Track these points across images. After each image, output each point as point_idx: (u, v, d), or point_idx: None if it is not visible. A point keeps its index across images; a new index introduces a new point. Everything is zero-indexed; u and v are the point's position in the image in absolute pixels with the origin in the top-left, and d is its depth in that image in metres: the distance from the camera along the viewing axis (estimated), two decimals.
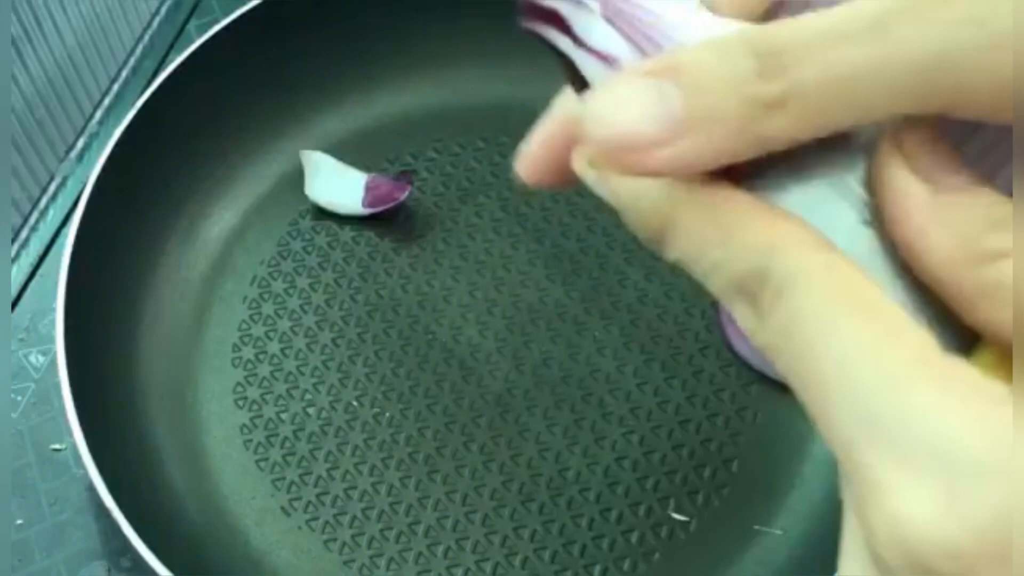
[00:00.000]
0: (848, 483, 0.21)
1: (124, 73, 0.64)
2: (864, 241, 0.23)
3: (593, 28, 0.24)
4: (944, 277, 0.22)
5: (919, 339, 0.21)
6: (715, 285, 0.23)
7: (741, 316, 0.22)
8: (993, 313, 0.21)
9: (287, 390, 0.53)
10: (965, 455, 0.19)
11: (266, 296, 0.56)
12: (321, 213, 0.58)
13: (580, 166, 0.25)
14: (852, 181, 0.23)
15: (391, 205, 0.57)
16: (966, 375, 0.20)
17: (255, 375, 0.54)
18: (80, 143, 0.62)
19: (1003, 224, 0.21)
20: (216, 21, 0.57)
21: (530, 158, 0.29)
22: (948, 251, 0.22)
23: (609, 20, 0.24)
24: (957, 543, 0.19)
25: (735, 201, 0.23)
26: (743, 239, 0.22)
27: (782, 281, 0.22)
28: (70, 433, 0.46)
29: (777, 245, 0.22)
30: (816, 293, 0.21)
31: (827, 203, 0.23)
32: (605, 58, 0.24)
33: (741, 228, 0.22)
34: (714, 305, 0.53)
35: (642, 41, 0.24)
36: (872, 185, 0.23)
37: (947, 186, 0.22)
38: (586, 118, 0.22)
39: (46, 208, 0.59)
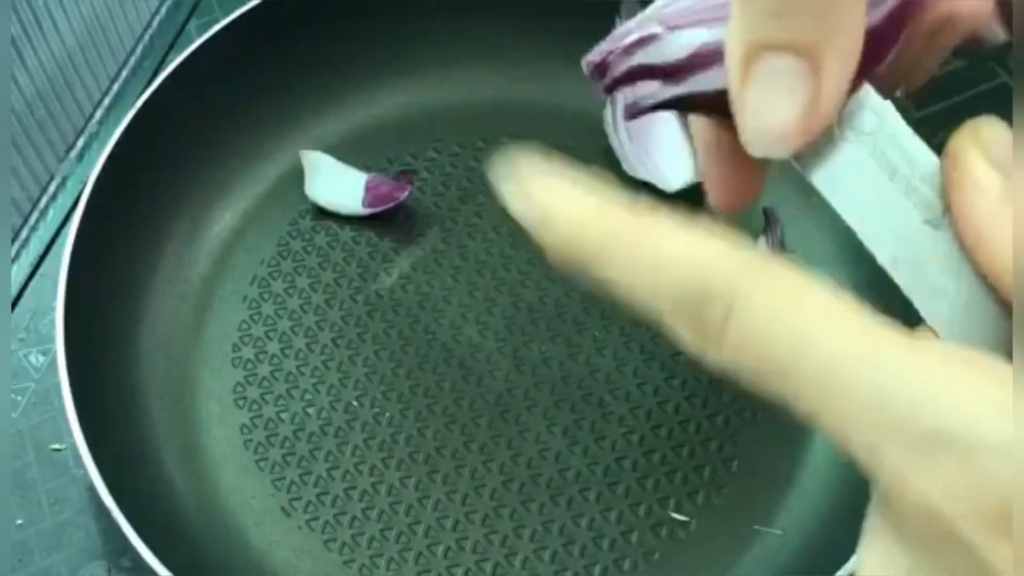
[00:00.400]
0: (867, 474, 0.21)
1: (124, 73, 0.64)
2: (926, 240, 0.23)
3: (670, 46, 0.24)
4: (1004, 272, 0.21)
5: (889, 327, 0.20)
6: (651, 309, 0.22)
7: (685, 338, 0.22)
8: None
9: (287, 390, 0.53)
10: (976, 433, 0.19)
11: (266, 296, 0.56)
12: (321, 213, 0.58)
13: (506, 192, 0.24)
14: (917, 181, 0.23)
15: (391, 205, 0.57)
16: (952, 352, 0.20)
17: (255, 375, 0.54)
18: (80, 143, 0.62)
19: None
20: (216, 21, 0.57)
21: (718, 185, 0.28)
22: (1012, 247, 0.21)
23: (674, 28, 0.24)
24: (983, 512, 0.19)
25: (664, 224, 0.22)
26: (671, 258, 0.22)
27: (730, 299, 0.21)
28: (70, 433, 0.46)
29: (712, 263, 0.22)
30: (774, 304, 0.21)
31: (894, 202, 0.23)
32: (702, 58, 0.24)
33: (670, 246, 0.22)
34: None
35: (714, 15, 0.23)
36: (944, 176, 0.23)
37: (1018, 178, 0.22)
38: (751, 129, 0.23)
39: (46, 208, 0.59)
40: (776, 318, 0.21)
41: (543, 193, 0.23)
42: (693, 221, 0.22)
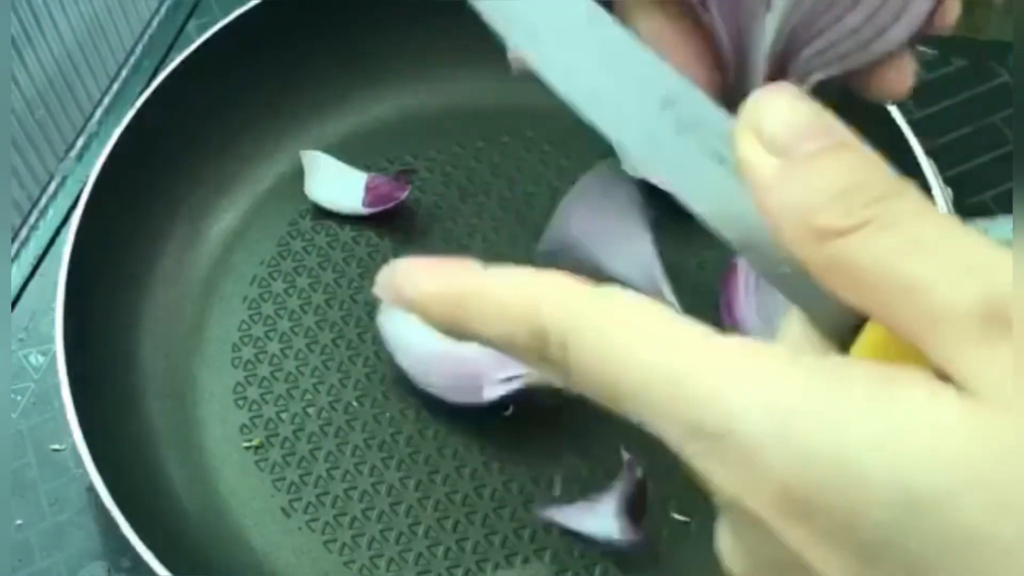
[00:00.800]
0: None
1: (124, 73, 0.64)
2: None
3: None
4: (794, 254, 0.22)
5: (689, 329, 0.22)
6: (516, 357, 0.24)
7: (552, 378, 0.24)
8: (842, 290, 0.21)
9: (287, 390, 0.53)
10: (747, 429, 0.20)
11: (266, 296, 0.56)
12: (321, 213, 0.58)
13: (380, 294, 0.27)
14: None
15: (391, 205, 0.57)
16: (742, 347, 0.21)
17: (255, 375, 0.54)
18: (80, 143, 0.62)
19: (844, 196, 0.21)
20: (216, 21, 0.57)
21: None
22: (789, 230, 0.22)
23: None
24: (771, 498, 0.20)
25: (496, 276, 0.24)
26: (509, 307, 0.24)
27: (560, 335, 0.23)
28: (70, 433, 0.46)
29: (539, 303, 0.23)
30: (590, 336, 0.22)
31: (728, 187, 0.24)
32: None
33: (505, 296, 0.24)
34: (715, 307, 0.53)
35: None
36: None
37: (795, 156, 0.22)
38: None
39: (46, 208, 0.59)
40: (598, 344, 0.22)
41: (402, 282, 0.26)
42: (524, 270, 0.24)
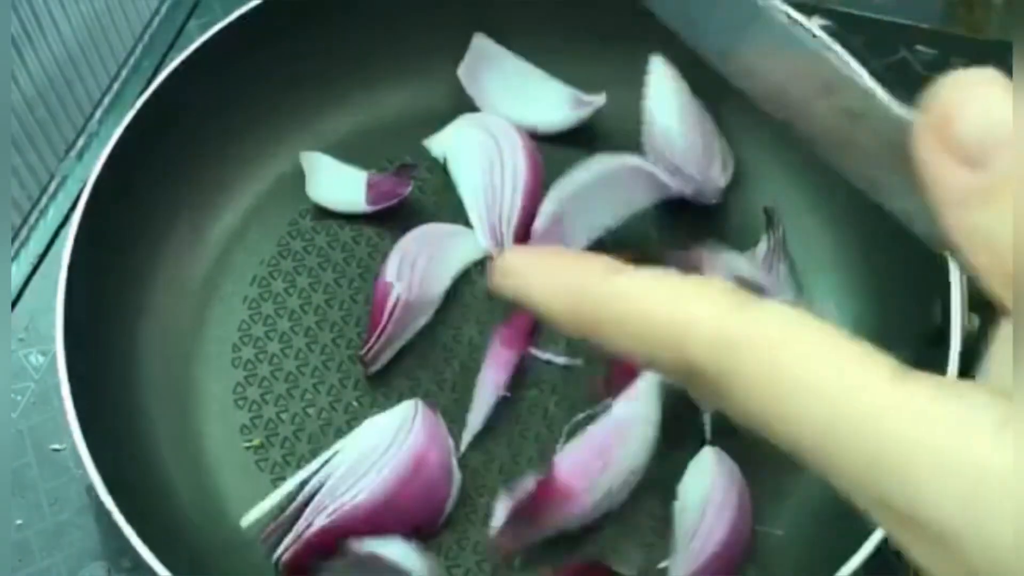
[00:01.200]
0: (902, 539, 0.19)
1: (124, 73, 0.64)
2: None
3: None
4: (984, 283, 0.19)
5: (878, 371, 0.19)
6: (656, 372, 0.22)
7: (699, 397, 0.22)
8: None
9: (287, 390, 0.53)
10: (951, 527, 0.18)
11: (266, 296, 0.56)
12: (321, 213, 0.58)
13: (497, 282, 0.25)
14: None
15: (394, 201, 0.56)
16: (937, 408, 0.18)
17: (255, 375, 0.54)
18: (80, 143, 0.62)
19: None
20: (216, 21, 0.57)
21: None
22: (978, 262, 0.18)
23: None
24: None
25: (635, 284, 0.21)
26: (651, 328, 0.21)
27: (716, 373, 0.20)
28: (70, 433, 0.46)
29: (688, 331, 0.20)
30: (753, 375, 0.19)
31: None
32: None
33: (647, 315, 0.21)
34: None
35: None
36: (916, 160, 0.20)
37: (991, 172, 0.18)
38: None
39: (46, 207, 0.59)
40: (763, 383, 0.19)
41: (518, 280, 0.23)
42: (667, 272, 0.21)
